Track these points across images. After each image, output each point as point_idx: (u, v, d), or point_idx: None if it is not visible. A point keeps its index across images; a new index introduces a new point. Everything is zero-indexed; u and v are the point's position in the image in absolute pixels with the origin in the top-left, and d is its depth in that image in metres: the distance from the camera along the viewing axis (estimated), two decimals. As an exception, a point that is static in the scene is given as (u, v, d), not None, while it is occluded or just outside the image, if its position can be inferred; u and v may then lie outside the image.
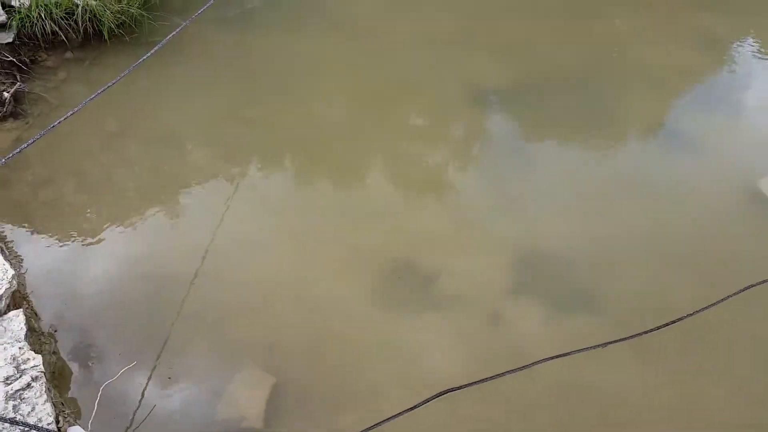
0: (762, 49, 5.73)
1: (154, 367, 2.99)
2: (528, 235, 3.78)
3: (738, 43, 5.83)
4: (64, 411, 2.64)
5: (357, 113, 4.68)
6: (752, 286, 3.08)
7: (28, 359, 2.61)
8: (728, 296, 2.97)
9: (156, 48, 3.60)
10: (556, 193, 4.11)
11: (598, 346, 2.70)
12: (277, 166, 4.25)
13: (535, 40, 5.63)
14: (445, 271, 3.52)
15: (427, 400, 2.55)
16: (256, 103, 4.65)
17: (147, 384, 2.92)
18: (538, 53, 5.45)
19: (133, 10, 4.94)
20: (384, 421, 2.42)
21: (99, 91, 3.16)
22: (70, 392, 2.85)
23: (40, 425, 2.40)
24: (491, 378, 2.56)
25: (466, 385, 2.60)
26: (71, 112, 3.22)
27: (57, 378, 2.86)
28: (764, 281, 3.11)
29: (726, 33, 5.91)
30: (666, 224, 3.91)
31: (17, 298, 3.01)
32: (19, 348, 2.65)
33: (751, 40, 5.85)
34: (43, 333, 3.01)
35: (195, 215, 3.83)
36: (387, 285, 3.45)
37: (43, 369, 2.59)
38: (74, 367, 2.97)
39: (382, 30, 5.58)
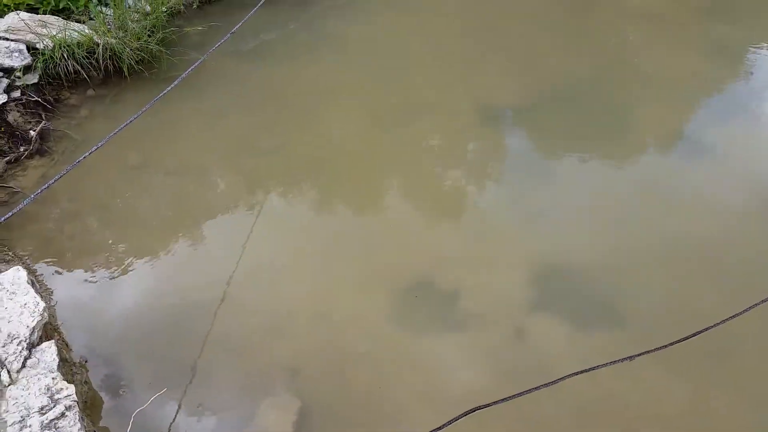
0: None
1: (184, 394, 3.03)
2: (547, 249, 3.80)
3: (750, 50, 5.86)
4: (97, 439, 2.69)
5: (372, 136, 4.76)
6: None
7: (62, 389, 2.66)
8: (755, 304, 2.96)
9: (176, 82, 3.72)
10: (573, 206, 4.13)
11: (625, 359, 2.70)
12: (296, 192, 4.32)
13: (545, 53, 5.70)
14: (466, 288, 3.54)
15: (456, 419, 2.56)
16: (274, 132, 4.75)
17: (177, 411, 2.96)
18: (549, 66, 5.52)
19: (152, 47, 5.09)
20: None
21: (122, 126, 3.26)
22: (102, 421, 2.90)
23: (75, 454, 2.44)
24: (518, 395, 2.56)
25: (493, 403, 2.60)
26: (95, 148, 3.33)
27: (89, 407, 2.91)
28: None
29: (737, 41, 5.94)
30: (685, 234, 3.90)
31: (48, 330, 3.08)
32: (53, 378, 2.70)
33: (764, 47, 5.87)
34: (74, 363, 3.07)
35: (217, 244, 3.90)
36: (409, 304, 3.48)
37: (76, 398, 2.64)
38: (105, 396, 3.02)
39: (391, 51, 5.69)
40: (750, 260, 3.76)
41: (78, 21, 5.12)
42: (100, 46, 4.84)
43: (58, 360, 2.79)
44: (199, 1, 5.95)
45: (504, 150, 4.73)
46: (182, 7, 5.77)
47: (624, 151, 4.67)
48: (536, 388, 2.60)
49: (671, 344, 2.75)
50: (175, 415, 2.95)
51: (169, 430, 2.91)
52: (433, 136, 4.77)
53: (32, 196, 3.07)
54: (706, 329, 2.78)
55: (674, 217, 4.04)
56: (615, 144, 4.72)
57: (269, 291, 3.60)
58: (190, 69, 3.93)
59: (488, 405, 2.59)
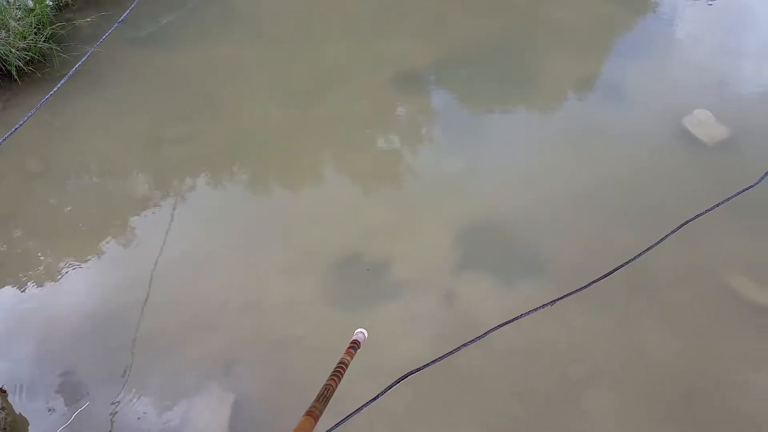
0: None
1: (117, 400, 2.93)
2: (471, 208, 3.81)
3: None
4: (21, 465, 2.57)
5: (284, 114, 4.63)
6: (688, 221, 3.18)
7: (-26, 421, 2.52)
8: (665, 236, 3.05)
9: (62, 81, 3.48)
10: (492, 162, 4.15)
11: (546, 305, 2.74)
12: (213, 179, 4.17)
13: (449, 14, 5.63)
14: (394, 258, 3.53)
15: (389, 388, 2.55)
16: (183, 119, 4.56)
17: (112, 418, 2.86)
18: (455, 27, 5.46)
19: (40, 45, 4.78)
20: (350, 415, 2.41)
21: (6, 135, 3.04)
22: (28, 445, 2.78)
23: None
24: (447, 355, 2.57)
25: (424, 366, 2.60)
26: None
27: (11, 433, 2.78)
28: (698, 216, 3.22)
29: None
30: (602, 176, 3.98)
31: (-44, 361, 2.91)
32: (-37, 411, 2.56)
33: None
34: (-10, 391, 2.92)
35: (135, 243, 3.74)
36: (339, 282, 3.44)
37: (-11, 428, 2.51)
38: (31, 417, 2.89)
39: (298, 26, 5.52)
40: (664, 191, 3.87)
41: (-48, 25, 4.75)
42: (-19, 51, 4.51)
43: (-33, 391, 2.64)
44: (88, -10, 5.61)
45: (420, 114, 4.68)
46: (69, -2, 5.43)
47: (539, 102, 4.70)
48: (463, 345, 2.61)
49: (588, 285, 2.81)
50: (112, 422, 2.85)
51: (104, 441, 2.82)
52: (347, 108, 4.67)
53: None
54: (620, 266, 2.85)
55: (590, 160, 4.12)
56: (530, 95, 4.74)
57: (196, 285, 3.49)
58: (78, 64, 3.70)
59: (419, 369, 2.59)
